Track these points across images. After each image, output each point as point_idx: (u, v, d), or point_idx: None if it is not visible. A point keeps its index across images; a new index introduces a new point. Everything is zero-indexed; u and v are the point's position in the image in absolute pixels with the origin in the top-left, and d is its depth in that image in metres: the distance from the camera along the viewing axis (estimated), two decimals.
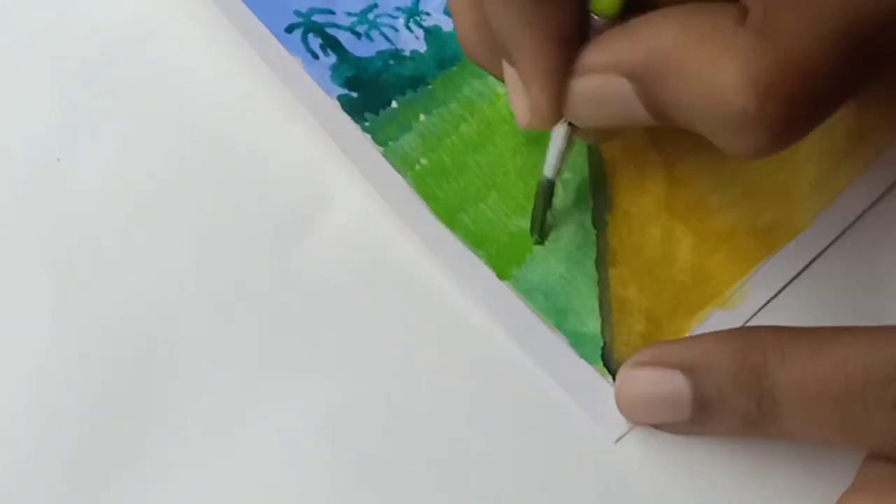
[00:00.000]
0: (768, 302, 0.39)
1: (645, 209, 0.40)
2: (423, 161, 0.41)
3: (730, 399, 0.33)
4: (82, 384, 0.37)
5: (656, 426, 0.36)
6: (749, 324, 0.38)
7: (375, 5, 0.43)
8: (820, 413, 0.32)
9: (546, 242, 0.39)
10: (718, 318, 0.38)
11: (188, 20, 0.43)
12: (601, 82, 0.32)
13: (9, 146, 0.41)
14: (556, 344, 0.38)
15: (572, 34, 0.33)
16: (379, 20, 0.43)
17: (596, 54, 0.32)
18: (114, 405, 0.37)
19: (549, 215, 0.39)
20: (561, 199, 0.40)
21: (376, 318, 0.39)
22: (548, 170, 0.37)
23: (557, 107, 0.34)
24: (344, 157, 0.41)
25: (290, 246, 0.39)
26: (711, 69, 0.29)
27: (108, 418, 0.37)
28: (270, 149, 0.41)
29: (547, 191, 0.38)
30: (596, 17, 0.32)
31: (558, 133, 0.36)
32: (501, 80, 0.35)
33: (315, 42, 0.43)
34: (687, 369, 0.34)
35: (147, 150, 0.41)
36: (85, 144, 0.41)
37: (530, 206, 0.39)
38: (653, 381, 0.35)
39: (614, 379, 0.37)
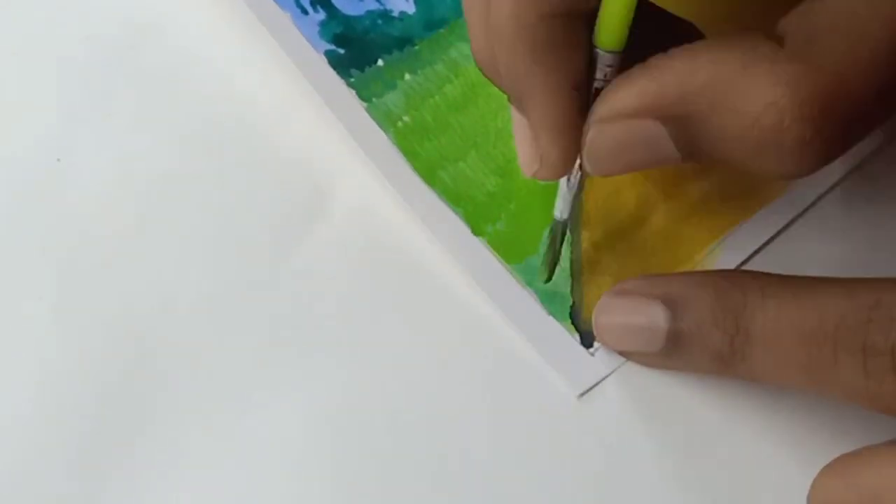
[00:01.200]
0: (738, 267, 0.39)
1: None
2: (406, 118, 0.41)
3: (704, 333, 0.34)
4: (83, 383, 0.37)
5: (628, 356, 0.37)
6: None
7: None
8: (790, 354, 0.32)
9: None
10: None
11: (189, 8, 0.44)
12: (629, 127, 0.32)
13: (9, 147, 0.41)
14: (526, 300, 0.38)
15: (584, 78, 0.33)
16: None
17: (621, 98, 0.32)
18: (115, 402, 0.37)
19: (560, 255, 0.39)
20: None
21: (355, 273, 0.40)
22: (558, 212, 0.37)
23: (570, 157, 0.34)
24: (329, 113, 0.41)
25: (289, 238, 0.40)
26: (760, 99, 0.30)
27: (109, 415, 0.37)
28: (258, 105, 0.42)
29: (559, 232, 0.38)
30: (600, 53, 0.32)
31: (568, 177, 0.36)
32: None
33: None
34: (667, 300, 0.35)
35: (145, 148, 0.42)
36: (85, 144, 0.41)
37: (508, 167, 0.40)
38: (632, 308, 0.36)
39: (581, 336, 0.38)
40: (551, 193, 0.39)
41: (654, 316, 0.35)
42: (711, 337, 0.34)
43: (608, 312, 0.37)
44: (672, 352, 0.35)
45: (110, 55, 0.43)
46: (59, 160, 0.41)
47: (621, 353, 0.37)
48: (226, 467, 0.36)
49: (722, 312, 0.34)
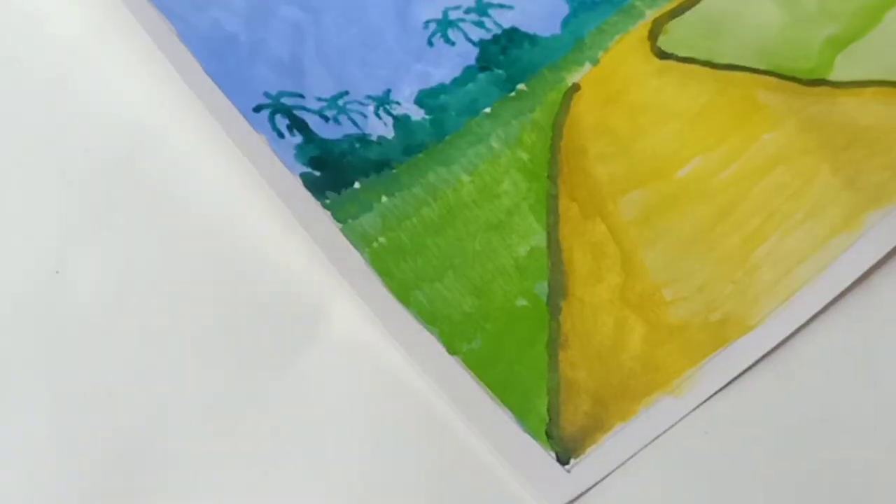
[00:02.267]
0: (716, 392, 0.38)
1: (599, 297, 0.40)
2: (382, 239, 0.41)
3: None
4: (80, 496, 0.37)
5: None
6: (696, 412, 0.38)
7: (346, 92, 0.44)
8: None
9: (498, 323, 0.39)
10: (666, 404, 0.38)
11: (177, 119, 0.44)
12: None
13: (7, 258, 0.41)
14: (502, 417, 0.38)
15: None
16: (348, 106, 0.44)
17: None
18: None
19: None
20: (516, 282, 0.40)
21: (331, 393, 0.39)
22: None
23: None
24: (304, 233, 0.41)
25: (269, 360, 0.40)
26: None
27: None
28: (235, 225, 0.42)
29: None
30: None
31: None
32: None
33: (282, 122, 0.43)
34: None
35: (144, 261, 0.41)
36: (83, 257, 0.41)
37: (485, 288, 0.40)
38: None
39: (557, 454, 0.37)
40: (528, 316, 0.39)
41: None
42: None
43: None
44: None
45: (109, 168, 0.43)
46: (57, 272, 0.41)
47: None
48: None
49: None
